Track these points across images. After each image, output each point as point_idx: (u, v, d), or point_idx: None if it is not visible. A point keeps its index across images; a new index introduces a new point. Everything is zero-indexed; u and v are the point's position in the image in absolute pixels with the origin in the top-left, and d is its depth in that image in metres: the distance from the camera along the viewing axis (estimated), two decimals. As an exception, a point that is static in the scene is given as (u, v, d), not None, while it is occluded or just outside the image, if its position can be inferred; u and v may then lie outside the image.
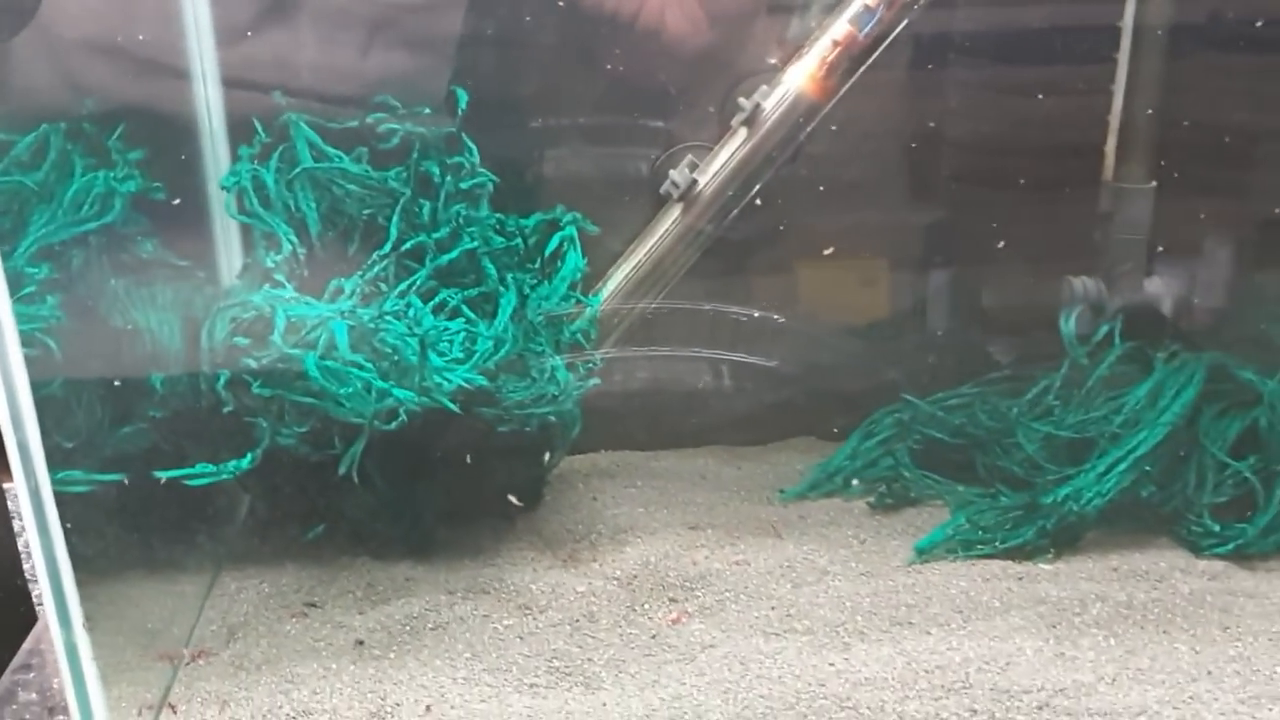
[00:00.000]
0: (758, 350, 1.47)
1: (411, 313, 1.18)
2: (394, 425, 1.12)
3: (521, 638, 1.12)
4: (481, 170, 1.27)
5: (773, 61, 1.36)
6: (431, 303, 1.21)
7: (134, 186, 1.20)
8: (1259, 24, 1.31)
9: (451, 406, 1.13)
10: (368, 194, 1.24)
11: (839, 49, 1.31)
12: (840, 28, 1.31)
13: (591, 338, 1.34)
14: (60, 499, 0.88)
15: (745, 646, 1.10)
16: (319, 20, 1.30)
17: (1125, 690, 1.02)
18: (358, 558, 1.25)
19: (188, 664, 1.10)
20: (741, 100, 1.34)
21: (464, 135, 1.27)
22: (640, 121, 1.43)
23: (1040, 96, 1.39)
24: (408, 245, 1.22)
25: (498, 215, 1.28)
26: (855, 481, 1.39)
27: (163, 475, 1.12)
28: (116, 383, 1.15)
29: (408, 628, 1.14)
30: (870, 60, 1.32)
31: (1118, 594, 1.17)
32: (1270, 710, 0.99)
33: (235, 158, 1.26)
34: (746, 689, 1.04)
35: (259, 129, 1.24)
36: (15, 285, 1.09)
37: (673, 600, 1.18)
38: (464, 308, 1.22)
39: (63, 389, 1.11)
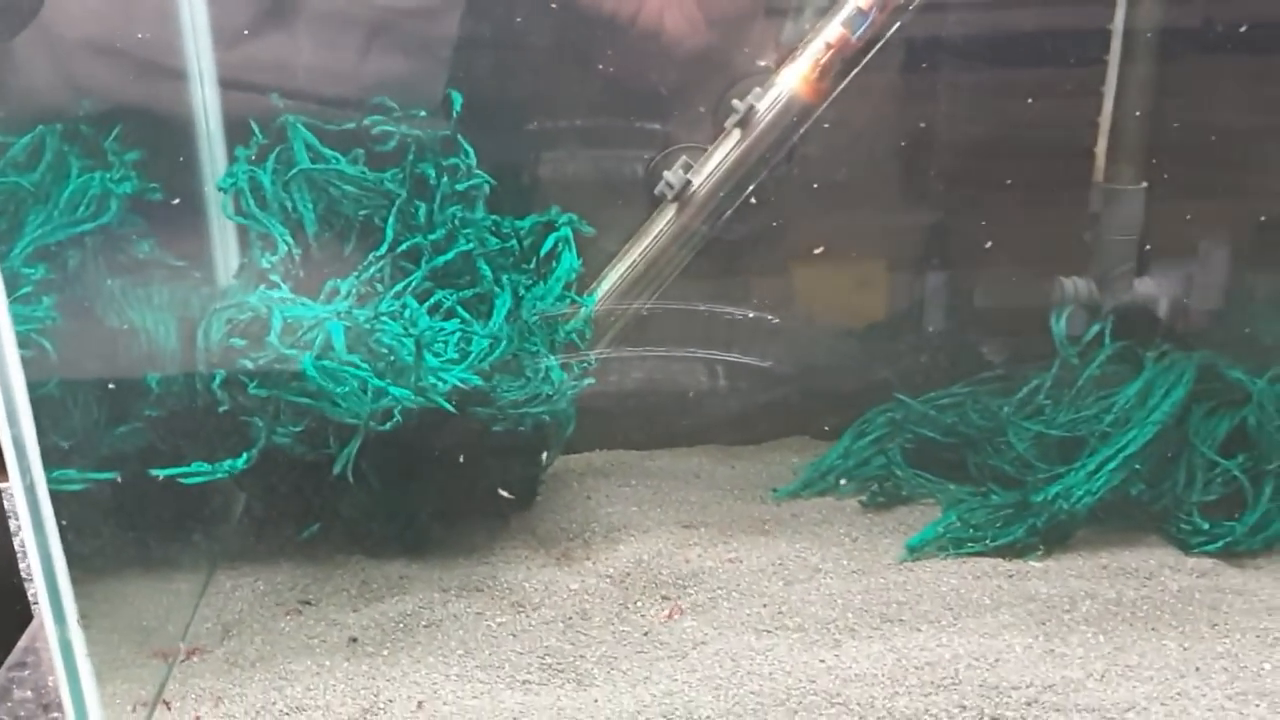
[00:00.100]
0: (751, 350, 1.48)
1: (407, 313, 1.19)
2: (389, 426, 1.13)
3: (514, 635, 1.13)
4: (478, 172, 1.28)
5: (765, 64, 1.36)
6: (427, 303, 1.21)
7: (130, 187, 1.21)
8: (1244, 28, 1.32)
9: (447, 406, 1.14)
10: (364, 195, 1.25)
11: (832, 51, 1.32)
12: (833, 30, 1.32)
13: (586, 338, 1.35)
14: (56, 497, 0.89)
15: (737, 643, 1.10)
16: (317, 23, 1.31)
17: (1114, 686, 1.03)
18: (352, 556, 1.26)
19: (182, 661, 1.11)
20: (735, 102, 1.35)
21: (460, 137, 1.28)
22: (635, 123, 1.44)
23: (1032, 99, 1.40)
24: (404, 246, 1.23)
25: (493, 217, 1.29)
26: (843, 481, 1.40)
27: (159, 474, 1.13)
28: (112, 383, 1.16)
29: (401, 625, 1.15)
30: (863, 63, 1.33)
31: (1107, 591, 1.17)
32: (1257, 706, 1.00)
33: (232, 159, 1.27)
34: (737, 685, 1.04)
35: (256, 130, 1.25)
36: (11, 286, 1.09)
37: (665, 598, 1.19)
38: (459, 308, 1.23)
39: (59, 388, 1.12)
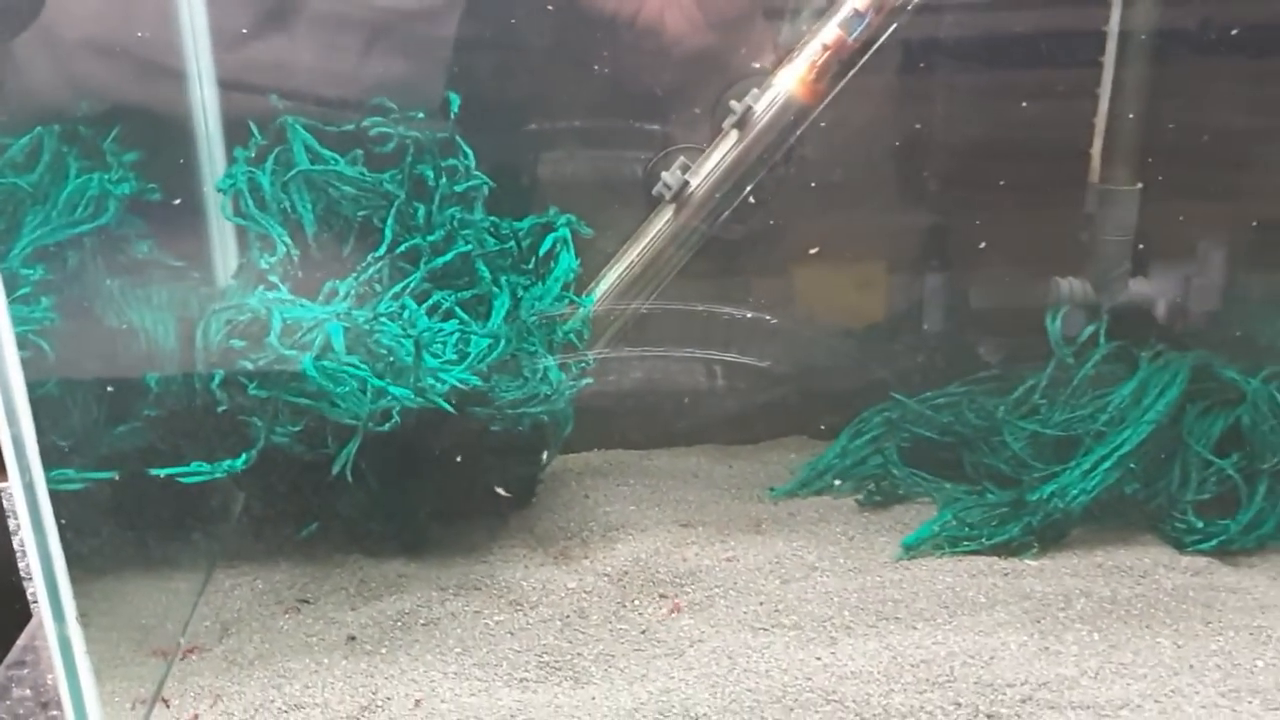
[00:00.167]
0: (749, 350, 1.48)
1: (406, 314, 1.20)
2: (388, 426, 1.13)
3: (512, 633, 1.13)
4: (476, 173, 1.28)
5: (759, 66, 1.37)
6: (426, 304, 1.22)
7: (129, 188, 1.22)
8: (1238, 31, 1.33)
9: (446, 406, 1.14)
10: (363, 196, 1.25)
11: (829, 53, 1.33)
12: (830, 32, 1.33)
13: (585, 338, 1.36)
14: (55, 496, 0.89)
15: (733, 641, 1.11)
16: (316, 24, 1.32)
17: (1108, 684, 1.03)
18: (351, 555, 1.26)
19: (181, 659, 1.12)
20: (733, 103, 1.36)
21: (459, 139, 1.28)
22: (633, 124, 1.45)
23: (1027, 100, 1.40)
24: (402, 248, 1.24)
25: (492, 218, 1.30)
26: (839, 480, 1.40)
27: (158, 473, 1.13)
28: (111, 383, 1.16)
29: (399, 623, 1.15)
30: (860, 64, 1.34)
31: (1102, 589, 1.18)
32: (1250, 703, 1.00)
33: (231, 160, 1.28)
34: (734, 683, 1.05)
35: (255, 131, 1.26)
36: (10, 286, 1.10)
37: (663, 596, 1.20)
38: (458, 309, 1.23)
39: (59, 388, 1.12)
